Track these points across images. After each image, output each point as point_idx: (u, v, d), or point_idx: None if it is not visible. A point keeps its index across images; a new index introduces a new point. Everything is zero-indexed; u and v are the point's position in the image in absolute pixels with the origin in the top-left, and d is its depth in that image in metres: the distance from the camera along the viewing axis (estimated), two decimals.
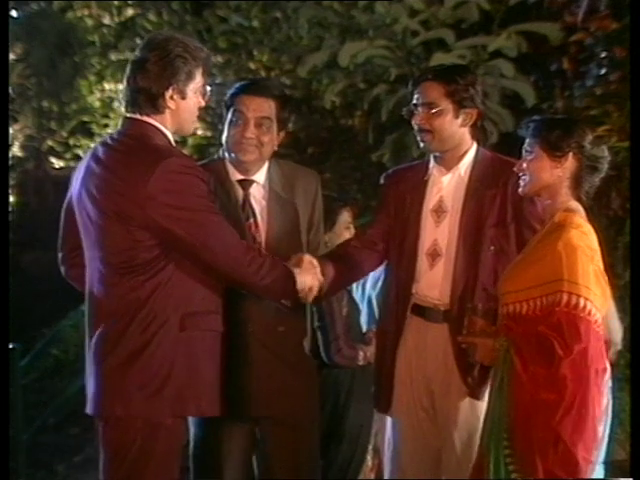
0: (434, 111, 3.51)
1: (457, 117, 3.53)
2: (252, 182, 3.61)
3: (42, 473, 6.25)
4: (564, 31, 7.12)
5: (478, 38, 7.27)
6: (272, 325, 3.55)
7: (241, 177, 3.60)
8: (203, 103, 3.24)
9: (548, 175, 3.22)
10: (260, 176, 3.62)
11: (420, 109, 3.53)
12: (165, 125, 3.18)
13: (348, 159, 9.20)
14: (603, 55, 7.15)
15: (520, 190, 3.33)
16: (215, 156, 3.71)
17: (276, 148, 3.61)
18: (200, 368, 3.16)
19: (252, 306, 3.53)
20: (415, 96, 3.56)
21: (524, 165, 3.26)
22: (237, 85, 3.66)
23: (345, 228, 4.35)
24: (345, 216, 4.39)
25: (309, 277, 3.39)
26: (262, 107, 3.56)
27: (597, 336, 3.13)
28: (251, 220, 3.58)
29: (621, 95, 6.36)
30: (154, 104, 3.15)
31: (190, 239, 3.09)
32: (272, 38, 8.82)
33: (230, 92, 3.63)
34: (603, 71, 7.13)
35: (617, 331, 3.37)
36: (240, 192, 3.60)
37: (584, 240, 3.15)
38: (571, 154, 3.19)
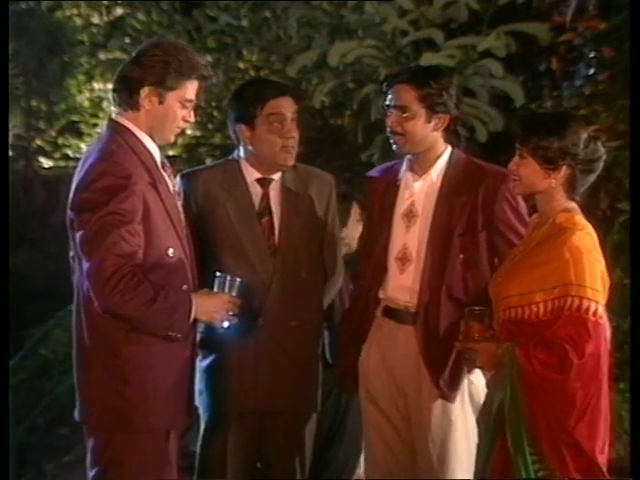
0: (406, 115, 3.50)
1: (429, 122, 3.51)
2: (271, 180, 3.64)
3: (31, 473, 6.23)
4: (553, 31, 7.12)
5: (467, 38, 7.26)
6: (284, 320, 3.57)
7: (260, 176, 3.62)
8: (191, 119, 3.19)
9: (541, 183, 3.18)
10: (277, 174, 3.67)
11: (393, 111, 3.53)
12: (140, 125, 3.15)
13: (337, 159, 9.19)
14: (591, 55, 7.16)
15: (512, 189, 3.33)
16: (230, 157, 3.73)
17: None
18: (151, 382, 3.12)
19: (264, 300, 3.54)
20: (388, 97, 3.55)
21: (515, 167, 3.22)
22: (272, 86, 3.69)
23: (357, 221, 4.40)
24: (356, 210, 4.43)
25: (213, 303, 3.23)
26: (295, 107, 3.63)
27: (606, 338, 3.13)
28: (266, 218, 3.63)
29: (609, 95, 6.37)
30: (131, 97, 3.13)
31: (81, 246, 3.04)
32: (261, 38, 8.79)
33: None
34: (592, 71, 7.15)
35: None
36: (258, 190, 3.63)
37: (590, 241, 3.13)
38: (564, 167, 3.14)
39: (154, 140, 3.20)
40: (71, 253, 3.25)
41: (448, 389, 3.53)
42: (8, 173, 3.86)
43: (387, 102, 3.56)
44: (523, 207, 3.52)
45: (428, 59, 6.87)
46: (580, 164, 3.15)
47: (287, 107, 3.59)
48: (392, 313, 3.61)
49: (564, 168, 3.15)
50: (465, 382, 3.57)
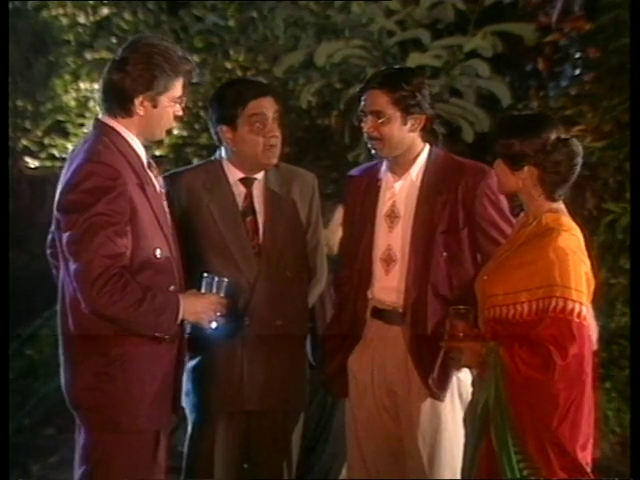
0: (381, 120, 3.50)
1: (405, 124, 3.52)
2: (254, 180, 3.64)
3: (17, 473, 6.21)
4: (539, 32, 7.15)
5: (454, 38, 7.28)
6: (270, 319, 3.57)
7: (243, 175, 3.62)
8: (180, 113, 3.21)
9: (511, 182, 3.21)
10: (260, 174, 3.65)
11: (368, 117, 3.53)
12: (131, 129, 3.15)
13: (324, 159, 9.18)
14: (577, 56, 7.19)
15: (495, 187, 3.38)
16: (212, 157, 3.73)
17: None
18: (138, 383, 3.12)
19: (249, 299, 3.54)
20: (362, 103, 3.56)
21: (494, 165, 3.27)
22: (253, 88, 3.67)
23: (339, 225, 4.37)
24: (340, 212, 4.40)
25: (201, 303, 3.22)
26: (275, 106, 3.63)
27: (590, 339, 3.15)
28: (250, 217, 3.63)
29: (595, 95, 6.39)
30: (123, 107, 3.13)
31: (68, 247, 3.03)
32: (248, 38, 8.79)
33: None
34: (577, 71, 7.18)
35: (593, 331, 3.39)
36: (241, 190, 3.63)
37: (575, 242, 3.15)
38: (526, 167, 3.17)
39: (141, 140, 3.20)
40: (48, 251, 3.27)
41: (438, 388, 3.54)
42: (8, 175, 3.84)
43: (362, 108, 3.57)
44: (504, 203, 3.54)
45: (415, 59, 6.89)
46: (546, 167, 3.15)
47: (268, 107, 3.59)
48: (380, 314, 3.61)
49: (526, 169, 3.17)
50: (454, 380, 3.57)
